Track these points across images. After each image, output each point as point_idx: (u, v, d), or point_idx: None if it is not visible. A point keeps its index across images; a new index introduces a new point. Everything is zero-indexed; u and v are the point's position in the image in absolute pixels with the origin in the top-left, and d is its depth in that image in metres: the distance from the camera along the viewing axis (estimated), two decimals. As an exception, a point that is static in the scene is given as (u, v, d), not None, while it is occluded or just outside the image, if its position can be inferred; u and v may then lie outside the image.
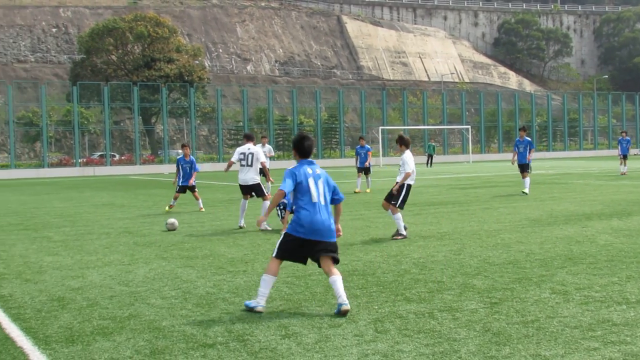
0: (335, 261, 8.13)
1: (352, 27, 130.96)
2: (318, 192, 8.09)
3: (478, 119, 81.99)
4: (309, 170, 8.17)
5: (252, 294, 8.73)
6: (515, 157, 24.59)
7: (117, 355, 6.34)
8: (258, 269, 10.46)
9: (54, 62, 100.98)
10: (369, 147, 28.44)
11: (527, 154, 24.20)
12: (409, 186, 13.75)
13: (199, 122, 73.24)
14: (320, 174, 8.21)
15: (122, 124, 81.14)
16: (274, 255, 8.12)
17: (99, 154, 72.73)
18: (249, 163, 16.19)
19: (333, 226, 8.17)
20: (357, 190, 26.80)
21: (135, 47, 77.99)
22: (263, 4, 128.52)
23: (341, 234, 8.55)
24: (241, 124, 70.30)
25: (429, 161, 57.04)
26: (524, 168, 24.07)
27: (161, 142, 70.58)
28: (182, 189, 20.99)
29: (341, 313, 7.66)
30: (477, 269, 10.12)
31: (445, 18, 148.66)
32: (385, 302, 8.19)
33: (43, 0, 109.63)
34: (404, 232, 13.44)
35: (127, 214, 20.19)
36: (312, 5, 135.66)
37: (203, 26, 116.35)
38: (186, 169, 21.03)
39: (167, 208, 20.86)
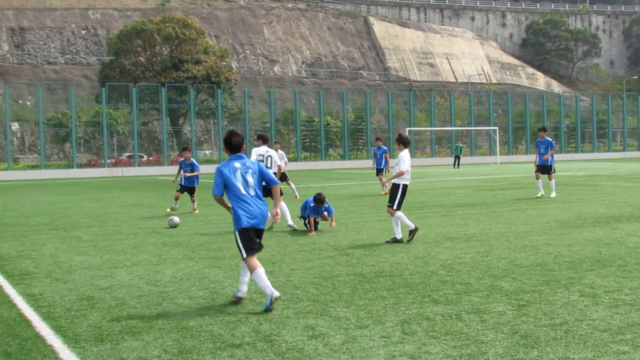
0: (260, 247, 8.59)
1: (379, 28, 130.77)
2: (247, 185, 8.49)
3: (505, 120, 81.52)
4: (237, 165, 8.58)
5: (280, 294, 8.74)
6: (537, 159, 24.12)
7: (146, 355, 6.39)
8: (285, 270, 10.49)
9: (83, 64, 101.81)
10: (385, 148, 28.17)
11: (548, 155, 23.63)
12: (405, 186, 13.35)
13: (226, 123, 73.44)
14: (249, 167, 8.60)
15: (150, 125, 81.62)
16: (244, 257, 8.40)
17: (128, 154, 73.21)
18: (268, 165, 16.29)
19: (265, 213, 8.52)
20: (382, 192, 26.63)
21: (163, 48, 78.42)
22: (290, 5, 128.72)
23: (278, 218, 8.93)
24: (268, 125, 70.44)
25: (456, 162, 56.78)
26: (545, 170, 23.56)
27: (189, 143, 70.88)
28: (183, 189, 21.15)
29: (272, 300, 8.06)
30: (504, 271, 10.07)
31: (472, 19, 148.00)
32: (412, 303, 8.18)
33: (73, 2, 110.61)
34: (399, 237, 13.16)
35: (155, 214, 20.31)
36: (339, 6, 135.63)
37: (230, 27, 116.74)
38: (187, 171, 21.20)
39: (168, 210, 21.00)
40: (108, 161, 63.11)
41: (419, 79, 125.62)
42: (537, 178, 23.55)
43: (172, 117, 73.09)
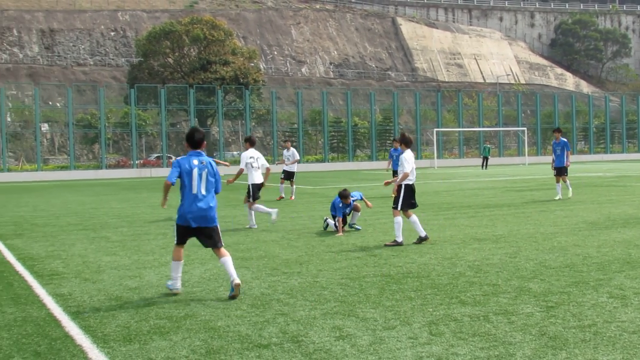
0: (217, 244, 9.03)
1: (407, 28, 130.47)
2: (199, 183, 8.94)
3: (534, 120, 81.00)
4: (195, 162, 8.99)
5: (307, 295, 8.79)
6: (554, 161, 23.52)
7: (174, 355, 6.43)
8: (312, 270, 10.51)
9: (112, 65, 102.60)
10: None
11: (565, 156, 23.18)
12: (408, 186, 13.21)
13: (253, 124, 73.69)
14: (205, 165, 8.99)
15: (178, 126, 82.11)
16: (174, 242, 9.15)
17: (156, 155, 73.65)
18: (257, 166, 17.11)
19: (213, 213, 9.00)
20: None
21: (192, 50, 78.81)
22: (318, 7, 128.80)
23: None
24: (295, 125, 70.57)
25: (484, 163, 56.52)
26: (561, 171, 23.07)
27: (217, 143, 71.17)
28: None
29: (234, 287, 8.67)
30: (533, 272, 10.02)
31: (501, 19, 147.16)
32: (439, 304, 8.16)
33: (102, 4, 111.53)
34: (400, 239, 12.99)
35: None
36: (367, 7, 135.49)
37: (258, 29, 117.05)
38: None
39: None
40: (137, 162, 63.56)
41: (446, 80, 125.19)
42: (558, 181, 23.17)
43: (200, 118, 73.45)
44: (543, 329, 7.00)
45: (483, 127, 76.75)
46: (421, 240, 13.17)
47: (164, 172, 60.21)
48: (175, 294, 9.02)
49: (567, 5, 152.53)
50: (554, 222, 16.26)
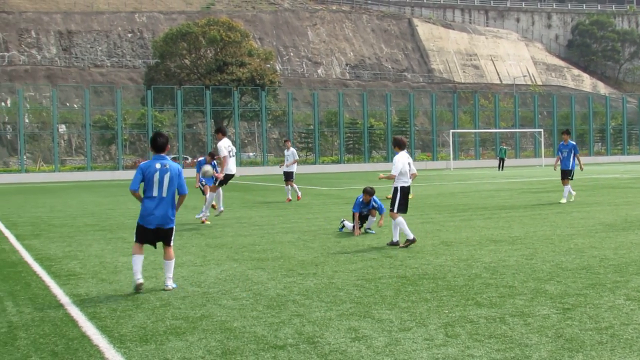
0: (169, 243, 9.54)
1: (423, 29, 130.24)
2: (160, 187, 9.34)
3: (550, 122, 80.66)
4: (158, 165, 9.36)
5: (323, 296, 8.81)
6: (558, 163, 22.84)
7: (190, 355, 6.46)
8: (328, 272, 10.52)
9: (129, 67, 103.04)
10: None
11: (571, 159, 22.40)
12: (402, 188, 13.21)
13: (269, 125, 73.77)
14: (168, 169, 9.35)
15: (194, 127, 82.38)
16: (134, 240, 9.57)
17: (172, 156, 73.83)
18: (234, 154, 18.18)
19: (170, 214, 9.41)
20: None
21: (208, 51, 79.00)
22: (334, 8, 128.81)
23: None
24: (312, 127, 70.59)
25: (501, 165, 56.33)
26: (566, 174, 22.32)
27: (233, 145, 71.29)
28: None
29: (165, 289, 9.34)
30: (549, 274, 9.98)
31: (517, 20, 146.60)
32: (455, 306, 8.15)
33: (119, 6, 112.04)
34: (411, 236, 12.95)
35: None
36: (383, 8, 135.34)
37: (275, 30, 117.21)
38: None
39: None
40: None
41: (463, 81, 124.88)
42: (565, 184, 22.46)
43: (216, 119, 73.63)
44: (559, 331, 6.98)
45: (499, 128, 76.49)
46: (393, 244, 13.14)
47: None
48: (139, 289, 9.29)
49: (584, 6, 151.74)
50: (571, 223, 16.19)
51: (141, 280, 9.26)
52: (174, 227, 9.61)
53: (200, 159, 20.94)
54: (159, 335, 7.15)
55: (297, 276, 10.24)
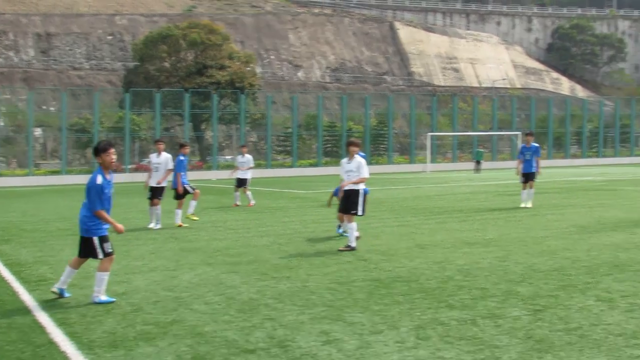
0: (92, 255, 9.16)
1: (404, 33, 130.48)
2: (108, 199, 9.07)
3: (528, 125, 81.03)
4: (108, 177, 9.12)
5: (295, 299, 8.81)
6: (520, 167, 21.96)
7: (159, 360, 6.43)
8: (302, 275, 10.50)
9: (108, 70, 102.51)
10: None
11: (534, 162, 21.67)
12: (364, 191, 13.33)
13: (248, 128, 73.59)
14: (110, 180, 9.16)
15: (172, 131, 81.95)
16: (103, 256, 9.16)
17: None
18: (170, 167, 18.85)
19: (83, 224, 9.04)
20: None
21: (188, 54, 78.71)
22: (316, 11, 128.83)
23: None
24: (290, 130, 70.53)
25: (477, 167, 56.58)
26: (529, 177, 21.63)
27: (210, 148, 71.15)
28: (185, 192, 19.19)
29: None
30: (521, 275, 10.04)
31: (498, 23, 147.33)
32: (428, 308, 8.18)
33: (100, 8, 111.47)
34: (354, 244, 12.95)
35: (174, 219, 20.32)
36: (365, 11, 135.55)
37: (256, 33, 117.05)
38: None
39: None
40: (129, 167, 63.46)
41: (442, 84, 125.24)
42: (524, 188, 21.76)
43: (194, 123, 73.35)
44: (529, 332, 7.03)
45: (477, 131, 76.77)
46: (350, 248, 12.96)
47: (158, 176, 60.06)
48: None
49: (565, 10, 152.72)
50: (545, 226, 16.28)
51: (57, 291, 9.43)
52: (92, 238, 9.07)
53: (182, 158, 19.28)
54: (129, 341, 7.10)
55: (271, 280, 10.21)
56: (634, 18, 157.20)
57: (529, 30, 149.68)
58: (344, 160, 13.57)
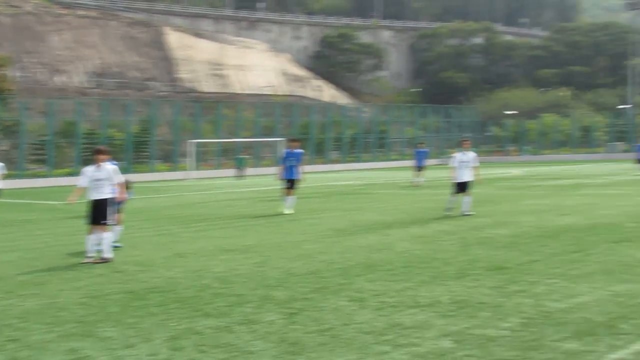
0: None
1: (173, 38, 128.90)
2: None
3: (291, 131, 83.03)
4: None
5: (43, 317, 8.39)
6: (283, 173, 21.76)
7: None
8: (52, 291, 9.95)
9: None
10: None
11: (297, 168, 21.68)
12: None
13: (0, 136, 69.68)
14: None
15: None
16: None
17: None
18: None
19: None
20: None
21: None
22: (81, 13, 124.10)
23: None
24: (46, 138, 67.55)
25: (240, 174, 57.19)
26: (293, 184, 21.58)
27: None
28: None
29: None
30: (278, 280, 10.16)
31: (268, 31, 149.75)
32: (183, 318, 8.07)
33: None
34: (109, 255, 12.57)
35: None
36: (134, 15, 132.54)
37: (15, 35, 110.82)
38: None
39: None
40: None
41: (208, 91, 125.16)
42: (289, 194, 21.52)
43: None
44: (283, 336, 7.11)
45: (241, 138, 77.54)
46: (104, 260, 12.47)
47: None
48: None
49: (332, 19, 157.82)
50: (303, 230, 16.64)
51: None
52: None
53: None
54: None
55: (16, 298, 9.56)
56: (397, 29, 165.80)
57: (298, 38, 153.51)
58: (90, 168, 12.92)
